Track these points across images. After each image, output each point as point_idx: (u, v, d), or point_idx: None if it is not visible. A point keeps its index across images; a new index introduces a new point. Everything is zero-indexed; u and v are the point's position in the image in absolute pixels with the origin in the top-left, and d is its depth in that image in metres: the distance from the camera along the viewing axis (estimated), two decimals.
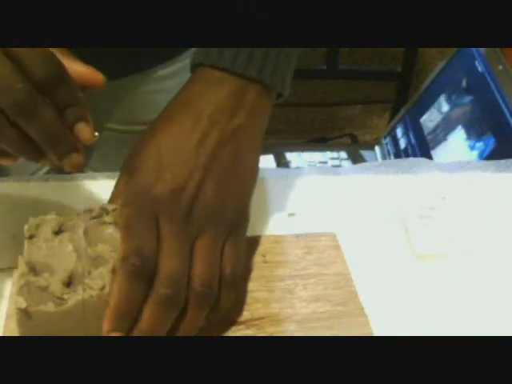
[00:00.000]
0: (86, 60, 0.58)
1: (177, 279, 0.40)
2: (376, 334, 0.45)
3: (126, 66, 0.66)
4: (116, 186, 0.45)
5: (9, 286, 0.47)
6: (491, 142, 1.07)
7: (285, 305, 0.47)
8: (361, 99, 1.80)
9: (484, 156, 1.07)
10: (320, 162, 1.44)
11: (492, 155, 1.05)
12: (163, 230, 0.41)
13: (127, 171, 0.44)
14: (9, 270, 0.47)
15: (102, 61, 0.62)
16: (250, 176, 0.47)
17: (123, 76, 0.67)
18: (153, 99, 0.45)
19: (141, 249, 0.40)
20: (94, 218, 0.43)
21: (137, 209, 0.42)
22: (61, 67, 0.38)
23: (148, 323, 0.40)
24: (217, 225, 0.43)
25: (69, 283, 0.39)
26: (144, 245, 0.40)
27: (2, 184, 0.55)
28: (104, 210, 0.43)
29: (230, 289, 0.43)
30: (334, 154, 1.47)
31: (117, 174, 0.45)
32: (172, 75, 0.47)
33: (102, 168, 0.59)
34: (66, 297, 0.39)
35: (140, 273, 0.39)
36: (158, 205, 0.42)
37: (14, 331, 0.42)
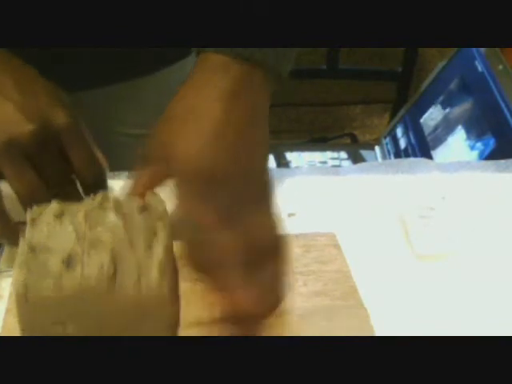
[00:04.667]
0: (100, 61, 0.58)
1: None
2: (376, 330, 0.45)
3: (137, 67, 0.66)
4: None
5: (9, 286, 0.47)
6: (491, 142, 1.07)
7: (285, 300, 0.47)
8: (361, 99, 1.81)
9: (484, 156, 1.07)
10: (320, 162, 1.44)
11: (492, 155, 1.05)
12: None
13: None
14: (9, 270, 0.48)
15: (114, 62, 0.63)
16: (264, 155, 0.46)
17: (134, 77, 0.67)
18: (165, 101, 0.45)
19: None
20: (95, 204, 0.43)
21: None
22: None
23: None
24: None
25: (68, 263, 0.40)
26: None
27: None
28: (105, 198, 0.43)
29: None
30: (334, 154, 1.47)
31: (124, 174, 0.45)
32: (183, 76, 0.47)
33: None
34: (64, 278, 0.39)
35: None
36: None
37: (13, 328, 0.42)
